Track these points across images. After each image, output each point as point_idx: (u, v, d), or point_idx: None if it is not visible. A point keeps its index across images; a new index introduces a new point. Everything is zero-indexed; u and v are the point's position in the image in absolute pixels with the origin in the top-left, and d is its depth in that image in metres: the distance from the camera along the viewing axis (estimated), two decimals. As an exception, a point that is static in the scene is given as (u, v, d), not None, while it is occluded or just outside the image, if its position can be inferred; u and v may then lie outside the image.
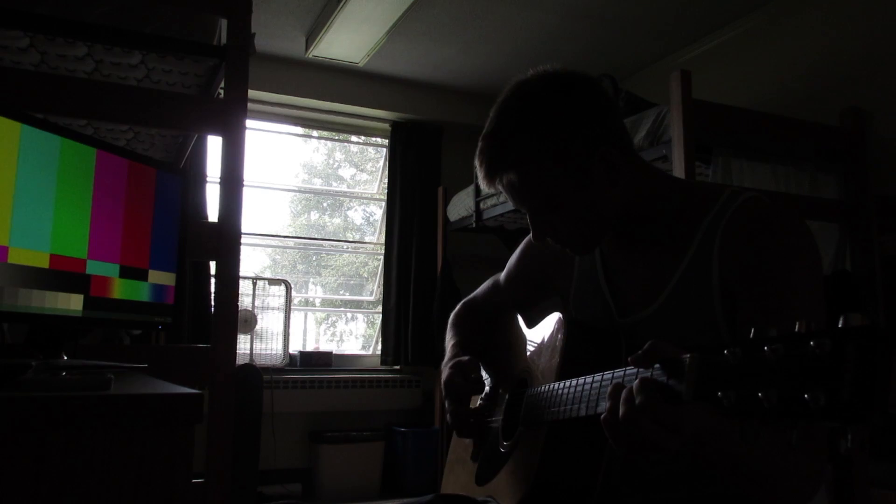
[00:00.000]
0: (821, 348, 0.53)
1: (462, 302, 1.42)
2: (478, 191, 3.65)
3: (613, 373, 0.83)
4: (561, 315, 1.08)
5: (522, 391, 1.11)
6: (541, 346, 1.12)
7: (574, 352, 1.02)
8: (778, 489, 0.84)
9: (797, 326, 0.56)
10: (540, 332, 1.15)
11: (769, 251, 0.92)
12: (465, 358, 1.19)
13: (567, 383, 0.94)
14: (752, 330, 0.60)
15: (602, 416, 0.75)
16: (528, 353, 1.17)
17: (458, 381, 1.16)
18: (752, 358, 0.58)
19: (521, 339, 1.22)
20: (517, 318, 1.27)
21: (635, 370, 0.77)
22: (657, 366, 0.72)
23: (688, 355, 0.67)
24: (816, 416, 0.52)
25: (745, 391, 0.58)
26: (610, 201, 1.01)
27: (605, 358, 0.89)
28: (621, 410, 0.72)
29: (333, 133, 4.61)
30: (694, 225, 1.00)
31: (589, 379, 0.88)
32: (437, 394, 3.98)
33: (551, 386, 0.99)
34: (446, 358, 1.29)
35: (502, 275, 1.35)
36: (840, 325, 0.53)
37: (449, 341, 1.34)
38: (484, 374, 1.33)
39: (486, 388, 1.27)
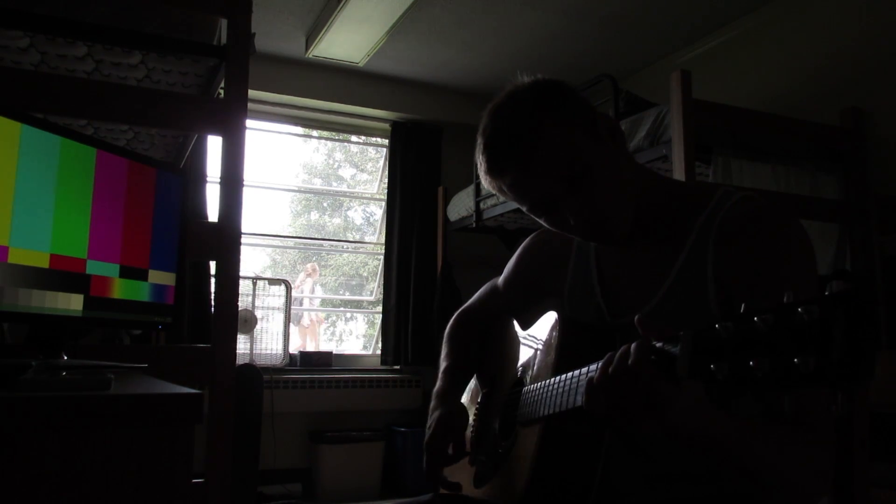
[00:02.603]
0: (809, 315, 0.54)
1: (459, 311, 1.42)
2: (478, 191, 3.65)
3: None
4: (556, 314, 1.08)
5: (518, 391, 1.11)
6: (536, 346, 1.12)
7: (569, 349, 1.02)
8: (777, 484, 0.84)
9: (786, 297, 0.57)
10: (535, 333, 1.15)
11: (764, 247, 0.93)
12: (451, 411, 1.18)
13: (561, 377, 0.95)
14: (742, 305, 0.61)
15: (595, 376, 0.77)
16: (525, 354, 1.17)
17: (439, 444, 1.16)
18: (743, 329, 0.60)
19: (517, 341, 1.21)
20: (512, 321, 1.27)
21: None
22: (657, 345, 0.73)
23: (681, 332, 0.68)
24: (807, 380, 0.54)
25: (738, 362, 0.60)
26: (626, 170, 1.02)
27: (599, 355, 0.89)
28: (613, 364, 0.74)
29: (333, 133, 4.61)
30: (687, 225, 1.00)
31: (584, 369, 0.89)
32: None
33: (545, 382, 0.99)
34: (437, 386, 1.28)
35: (500, 279, 1.35)
36: (826, 293, 0.55)
37: (443, 361, 1.34)
38: (475, 382, 1.34)
39: (472, 421, 1.27)
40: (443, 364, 1.33)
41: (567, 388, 0.92)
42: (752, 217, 0.95)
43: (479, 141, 1.02)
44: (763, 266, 0.92)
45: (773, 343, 0.57)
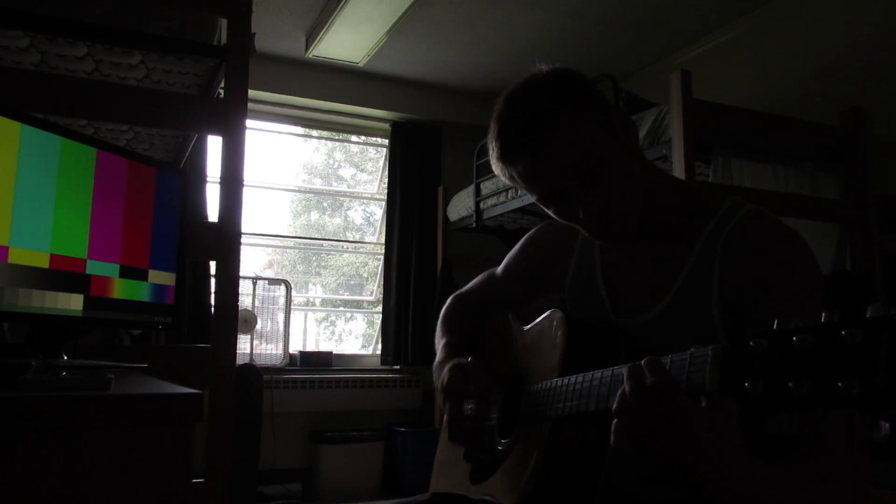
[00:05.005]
0: (853, 338, 0.54)
1: (453, 296, 1.40)
2: (478, 191, 3.65)
3: (625, 367, 0.82)
4: (560, 312, 1.08)
5: (519, 388, 1.10)
6: (537, 343, 1.11)
7: (575, 349, 1.01)
8: None
9: (823, 317, 0.57)
10: (536, 329, 1.14)
11: (770, 263, 0.92)
12: (467, 360, 1.16)
13: (573, 379, 0.93)
14: (776, 322, 0.60)
15: (615, 403, 0.74)
16: (523, 350, 1.16)
17: (460, 385, 1.12)
18: (779, 348, 0.59)
19: (515, 336, 1.20)
20: (509, 315, 1.26)
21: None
22: (674, 358, 0.72)
23: (710, 347, 0.67)
24: (850, 403, 0.54)
25: (775, 381, 0.59)
26: (638, 167, 1.01)
27: (605, 356, 0.88)
28: (628, 390, 0.71)
29: (333, 133, 4.61)
30: (695, 232, 1.00)
31: (598, 374, 0.88)
32: (437, 394, 3.97)
33: (554, 382, 0.99)
34: (440, 357, 1.26)
35: (499, 269, 1.33)
36: (869, 316, 0.54)
37: (440, 339, 1.31)
38: None
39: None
40: (441, 341, 1.30)
41: (579, 391, 0.91)
42: (758, 233, 0.95)
43: (493, 126, 1.00)
44: (768, 282, 0.91)
45: (813, 364, 0.57)
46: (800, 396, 0.57)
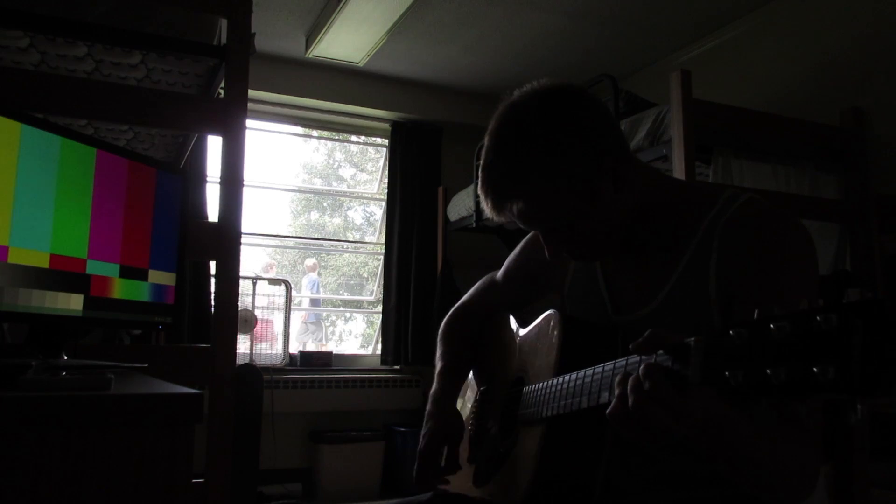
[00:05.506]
0: (827, 323, 0.54)
1: (455, 307, 1.41)
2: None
3: (615, 363, 0.83)
4: (555, 312, 1.08)
5: (519, 390, 1.11)
6: (535, 344, 1.12)
7: (570, 348, 1.02)
8: (777, 483, 0.82)
9: (801, 304, 0.57)
10: (534, 330, 1.14)
11: (764, 251, 0.92)
12: (450, 420, 1.23)
13: (566, 377, 0.94)
14: (756, 311, 0.60)
15: (609, 408, 0.74)
16: (523, 352, 1.16)
17: (432, 458, 1.20)
18: (758, 336, 0.59)
19: (515, 339, 1.21)
20: (509, 318, 1.26)
21: (638, 359, 0.77)
22: (661, 352, 0.72)
23: (692, 338, 0.67)
24: (826, 388, 0.53)
25: (753, 369, 0.59)
26: (618, 211, 1.01)
27: (601, 354, 0.89)
28: (630, 399, 0.71)
29: (333, 133, 4.61)
30: (692, 226, 1.00)
31: (589, 371, 0.88)
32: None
33: (549, 382, 0.99)
34: (434, 388, 1.30)
35: (500, 272, 1.35)
36: (844, 301, 0.54)
37: (438, 360, 1.35)
38: (472, 377, 1.35)
39: (469, 416, 1.29)
40: (438, 364, 1.34)
41: (571, 389, 0.91)
42: (754, 220, 0.95)
43: (480, 167, 1.02)
44: (762, 270, 0.91)
45: (789, 351, 0.56)
46: (777, 384, 0.57)
